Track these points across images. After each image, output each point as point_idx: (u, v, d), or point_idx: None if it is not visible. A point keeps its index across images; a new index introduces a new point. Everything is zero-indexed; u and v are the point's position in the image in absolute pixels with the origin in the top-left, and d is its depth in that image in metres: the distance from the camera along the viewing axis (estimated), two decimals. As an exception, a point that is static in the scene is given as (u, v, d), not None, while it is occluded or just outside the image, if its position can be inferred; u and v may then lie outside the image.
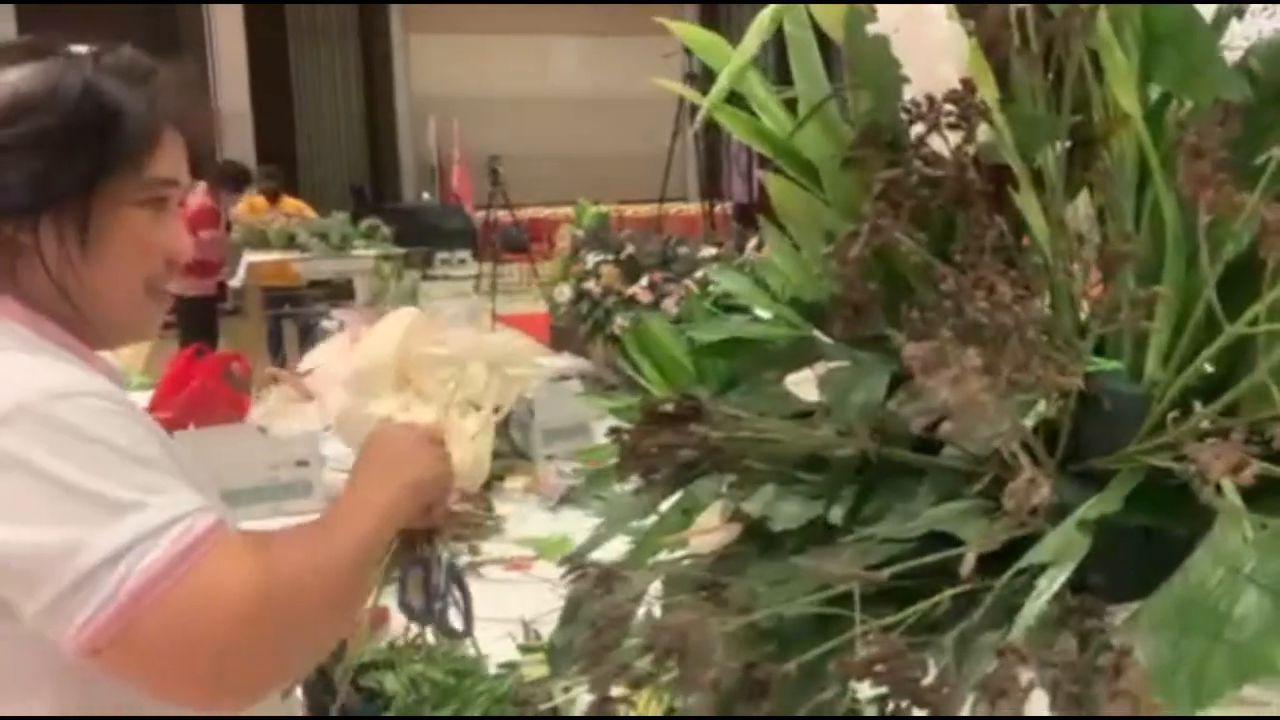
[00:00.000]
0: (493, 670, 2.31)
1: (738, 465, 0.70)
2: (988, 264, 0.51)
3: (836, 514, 0.71)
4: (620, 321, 4.85)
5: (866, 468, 0.72)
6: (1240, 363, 0.61)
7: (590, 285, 5.34)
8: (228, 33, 10.70)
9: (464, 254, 11.04)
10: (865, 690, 0.60)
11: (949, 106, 0.50)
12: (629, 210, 7.56)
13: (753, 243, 4.94)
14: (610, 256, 5.32)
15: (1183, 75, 0.68)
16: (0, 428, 0.71)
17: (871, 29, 0.71)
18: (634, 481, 0.66)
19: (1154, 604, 0.56)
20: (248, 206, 6.48)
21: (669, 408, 0.55)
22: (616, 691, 0.65)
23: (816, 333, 0.80)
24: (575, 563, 0.58)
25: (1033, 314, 0.46)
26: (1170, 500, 0.62)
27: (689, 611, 0.48)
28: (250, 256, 5.47)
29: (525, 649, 2.34)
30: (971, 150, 0.54)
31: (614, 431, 0.59)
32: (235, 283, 5.64)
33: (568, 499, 3.34)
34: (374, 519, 0.87)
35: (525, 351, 1.05)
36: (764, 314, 1.09)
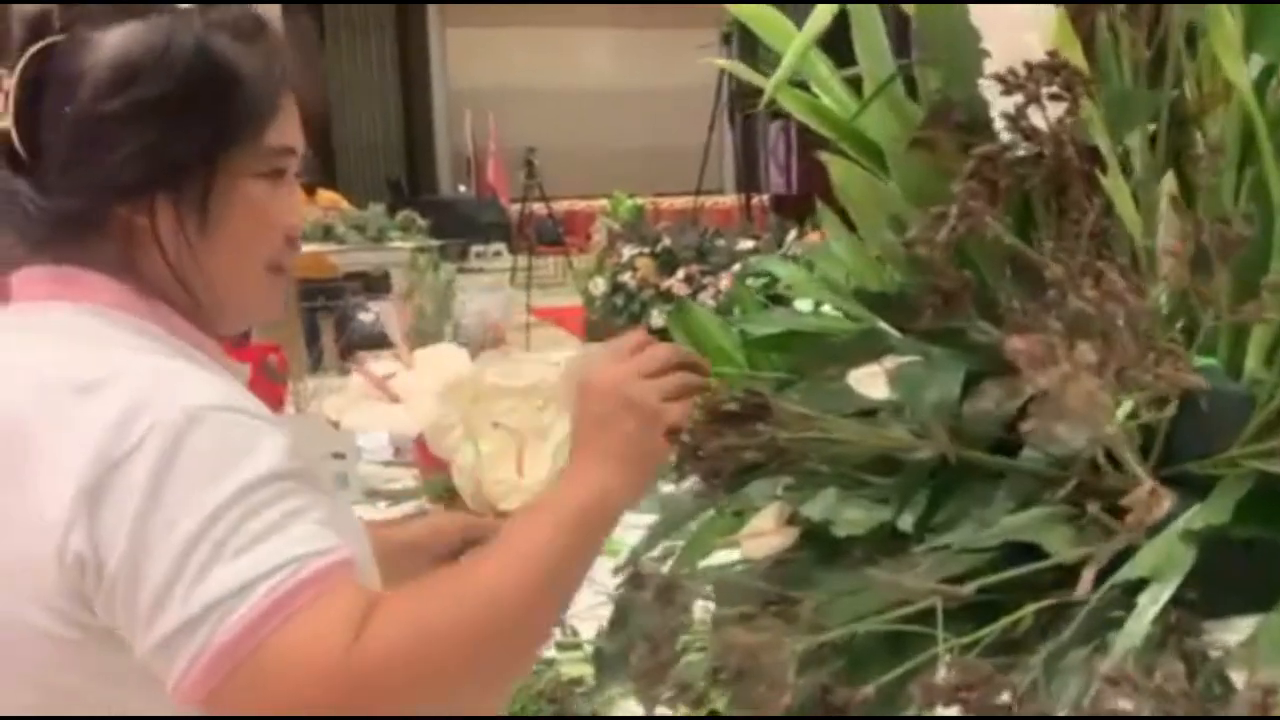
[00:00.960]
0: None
1: (799, 467, 0.65)
2: (1087, 250, 0.46)
3: (907, 521, 0.66)
4: (656, 315, 4.81)
5: (939, 471, 0.67)
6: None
7: (626, 278, 5.30)
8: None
9: (499, 247, 11.02)
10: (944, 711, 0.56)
11: (1048, 78, 0.45)
12: (664, 203, 7.50)
13: (792, 234, 4.86)
14: (646, 249, 5.27)
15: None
16: (133, 452, 0.64)
17: (947, -2, 0.66)
18: (688, 480, 0.61)
19: (1269, 628, 0.51)
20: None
21: (734, 406, 0.51)
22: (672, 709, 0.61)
23: (882, 324, 0.75)
24: (631, 569, 0.54)
25: (1147, 305, 0.41)
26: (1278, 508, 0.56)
27: (757, 630, 0.43)
28: None
29: (562, 646, 2.31)
30: (1071, 124, 0.49)
31: (672, 430, 0.54)
32: None
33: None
34: (563, 532, 0.68)
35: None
36: (817, 306, 1.04)
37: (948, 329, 0.73)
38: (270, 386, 4.34)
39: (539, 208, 9.35)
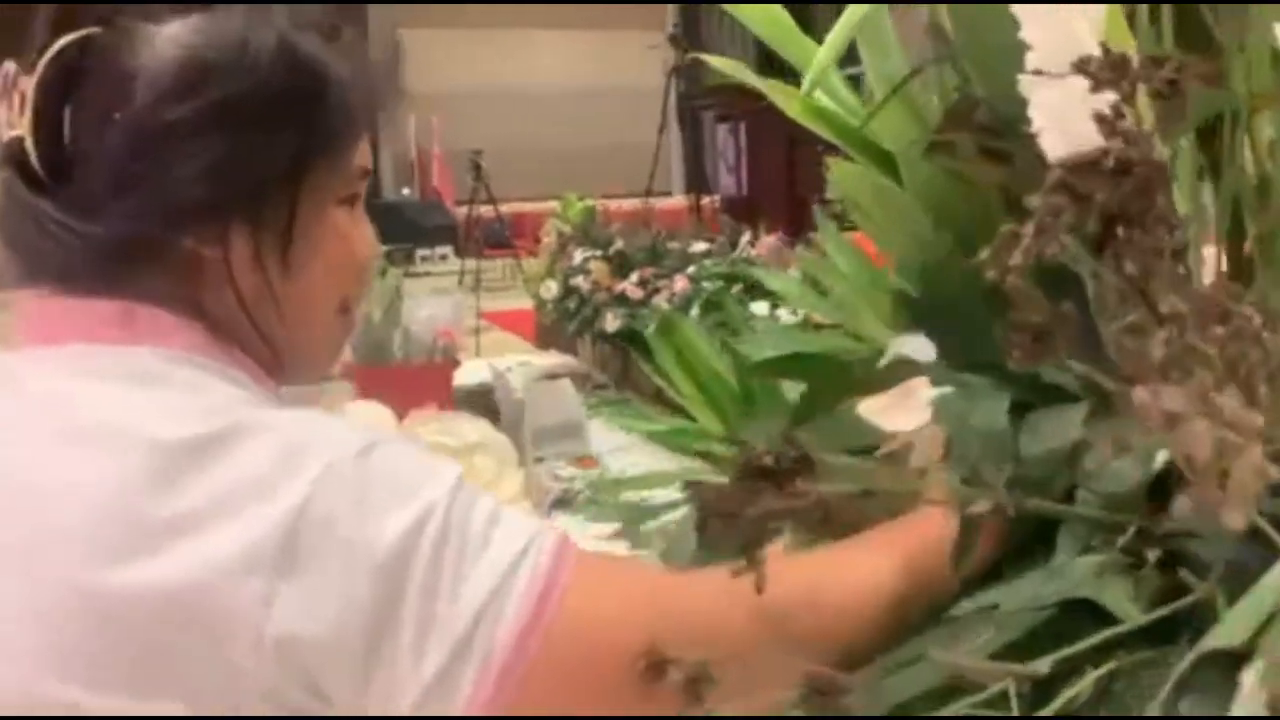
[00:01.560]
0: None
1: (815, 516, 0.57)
2: (1184, 279, 0.39)
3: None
4: (611, 318, 4.73)
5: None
6: None
7: (578, 281, 5.21)
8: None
9: (445, 250, 10.87)
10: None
11: (1151, 71, 0.38)
12: (614, 205, 7.41)
13: (745, 237, 4.81)
14: (598, 252, 5.19)
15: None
16: (313, 496, 0.53)
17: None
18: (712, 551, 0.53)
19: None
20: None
21: (769, 461, 0.43)
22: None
23: (901, 345, 0.67)
24: (654, 659, 0.45)
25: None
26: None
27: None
28: None
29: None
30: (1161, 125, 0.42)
31: (690, 486, 0.46)
32: None
33: (562, 503, 3.21)
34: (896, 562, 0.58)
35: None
36: (795, 319, 0.96)
37: (980, 354, 0.66)
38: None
39: (486, 210, 9.23)
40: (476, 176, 8.98)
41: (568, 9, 12.48)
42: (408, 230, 10.12)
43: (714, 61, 0.83)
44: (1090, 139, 0.58)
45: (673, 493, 1.22)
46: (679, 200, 9.20)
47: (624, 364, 5.33)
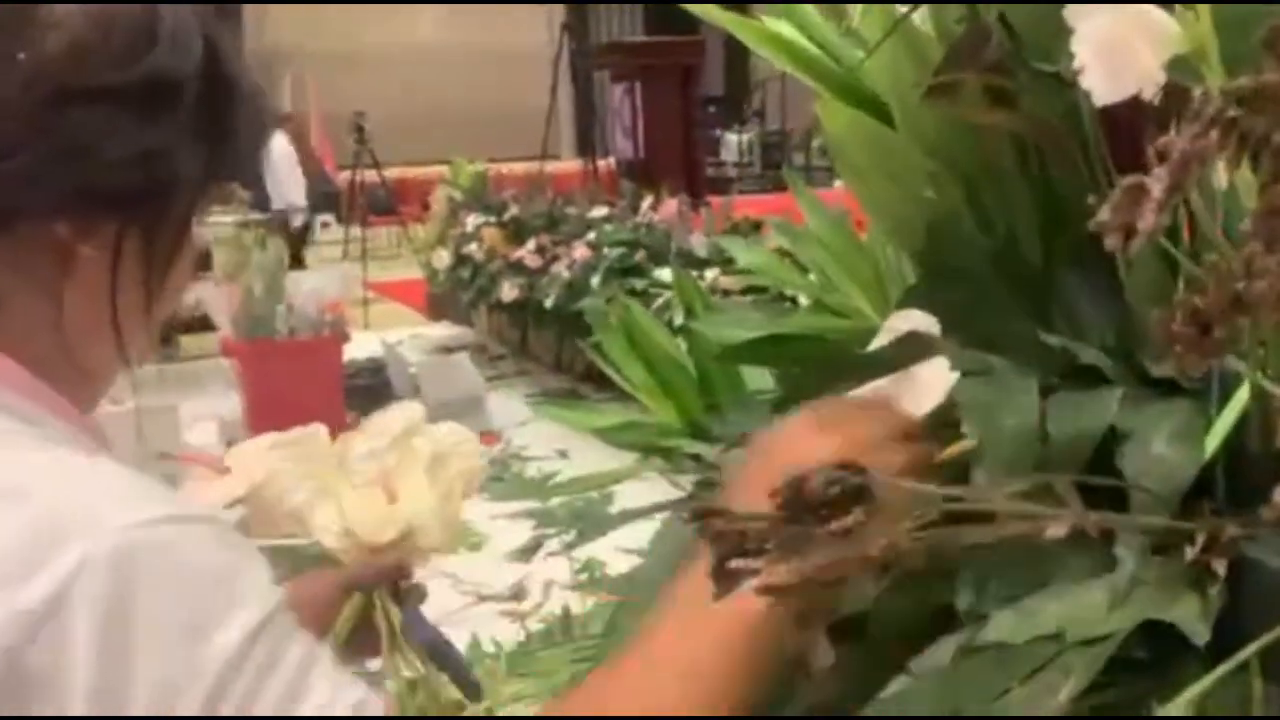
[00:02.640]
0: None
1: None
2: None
3: (966, 598, 0.49)
4: (508, 288, 4.57)
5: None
6: None
7: (471, 249, 5.04)
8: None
9: (327, 218, 10.49)
10: None
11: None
12: (505, 169, 7.20)
13: (647, 201, 4.70)
14: (492, 219, 5.03)
15: None
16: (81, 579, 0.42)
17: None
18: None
19: None
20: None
21: (825, 489, 0.32)
22: None
23: (900, 320, 0.57)
24: None
25: None
26: None
27: None
28: None
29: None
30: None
31: (702, 515, 0.35)
32: None
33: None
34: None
35: (464, 444, 0.79)
36: (746, 292, 0.86)
37: (996, 330, 0.56)
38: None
39: (370, 175, 8.90)
40: (359, 139, 8.65)
41: (450, -35, 12.12)
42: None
43: (689, 6, 0.71)
44: (1146, 78, 0.49)
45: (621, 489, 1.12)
46: (572, 164, 9.02)
47: (522, 334, 5.18)
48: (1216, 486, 0.52)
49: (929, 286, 0.58)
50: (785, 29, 0.68)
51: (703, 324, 0.70)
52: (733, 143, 8.89)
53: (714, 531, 0.36)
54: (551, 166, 7.48)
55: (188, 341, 5.34)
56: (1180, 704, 0.42)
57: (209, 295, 4.10)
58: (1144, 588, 0.47)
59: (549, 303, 3.66)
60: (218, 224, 4.95)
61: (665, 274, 3.30)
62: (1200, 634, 0.46)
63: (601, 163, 7.31)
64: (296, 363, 3.85)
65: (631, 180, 5.42)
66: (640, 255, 3.68)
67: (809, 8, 0.64)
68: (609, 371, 0.75)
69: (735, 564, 0.36)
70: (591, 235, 4.24)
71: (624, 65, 7.58)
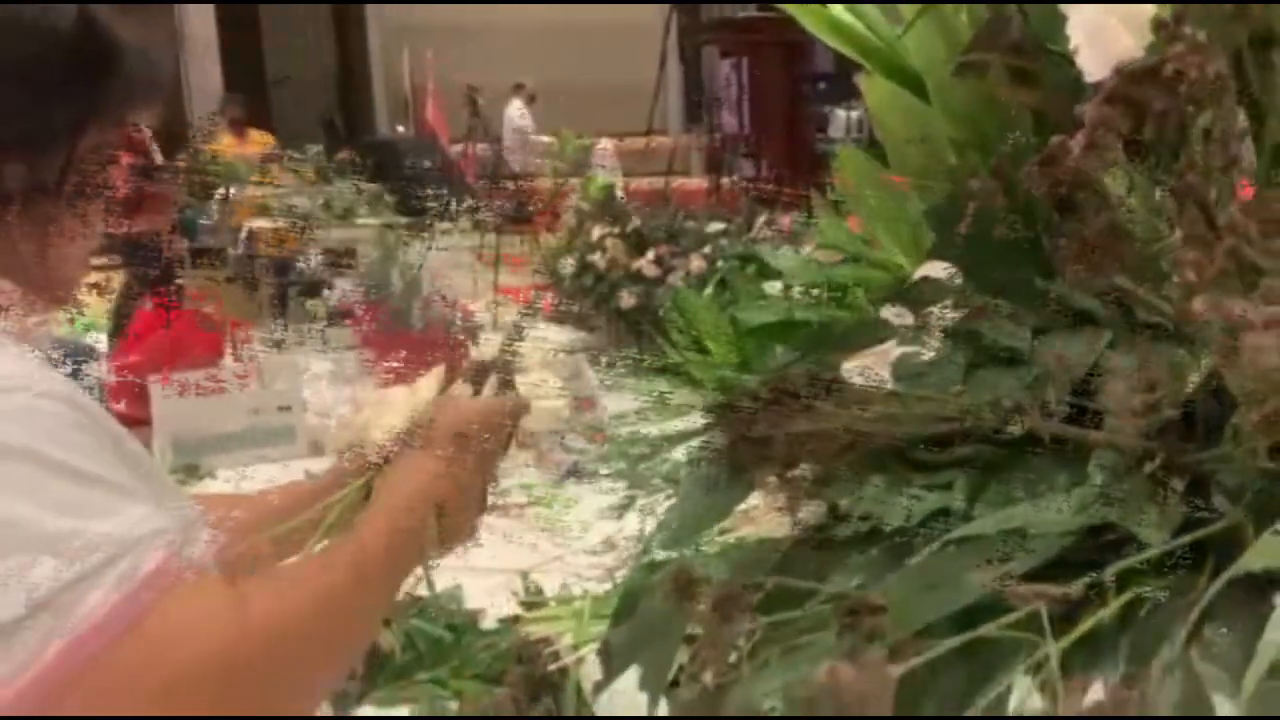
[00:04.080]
0: (491, 625, 2.21)
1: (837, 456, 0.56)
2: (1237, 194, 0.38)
3: (958, 502, 0.58)
4: (626, 295, 4.70)
5: (998, 447, 0.59)
6: None
7: (595, 258, 5.19)
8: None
9: (463, 226, 10.74)
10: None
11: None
12: (633, 184, 7.34)
13: (762, 219, 4.78)
14: (615, 229, 5.16)
15: None
16: None
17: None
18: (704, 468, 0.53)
19: None
20: (214, 147, 6.27)
21: (796, 385, 0.42)
22: None
23: (929, 269, 0.66)
24: (684, 577, 0.45)
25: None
26: None
27: (853, 659, 0.35)
28: (251, 223, 5.32)
29: (527, 604, 2.24)
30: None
31: (724, 408, 0.45)
32: (237, 250, 5.49)
33: (574, 472, 3.21)
34: (388, 533, 0.72)
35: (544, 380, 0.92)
36: (787, 290, 0.96)
37: (1002, 278, 0.65)
38: (207, 337, 4.19)
39: (482, 148, 9.10)
40: (474, 113, 8.86)
41: (565, -57, 12.26)
42: (401, 168, 10.00)
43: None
44: (1131, 57, 0.57)
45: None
46: (698, 182, 9.05)
47: (638, 341, 5.31)
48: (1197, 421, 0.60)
49: (947, 241, 0.67)
50: (839, 11, 0.77)
51: (741, 311, 0.80)
52: (841, 119, 8.86)
53: (727, 421, 0.46)
54: (677, 183, 7.59)
55: (313, 305, 5.61)
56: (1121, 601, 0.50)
57: (352, 290, 4.37)
58: (1110, 499, 0.55)
59: (663, 311, 3.79)
60: (365, 225, 5.22)
61: (773, 287, 3.33)
62: (1156, 541, 0.53)
63: (725, 181, 7.37)
64: (427, 355, 4.06)
65: (753, 200, 5.49)
66: (751, 269, 3.76)
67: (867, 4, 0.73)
68: (665, 347, 0.85)
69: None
70: (707, 249, 4.36)
71: (732, 41, 7.61)
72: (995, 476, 0.59)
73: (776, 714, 0.43)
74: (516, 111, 8.34)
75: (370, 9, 12.31)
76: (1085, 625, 0.49)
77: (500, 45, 12.23)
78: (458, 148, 9.82)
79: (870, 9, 0.73)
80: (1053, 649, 0.40)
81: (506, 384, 0.89)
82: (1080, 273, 0.37)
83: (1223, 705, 0.47)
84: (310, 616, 0.64)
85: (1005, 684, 0.44)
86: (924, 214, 0.66)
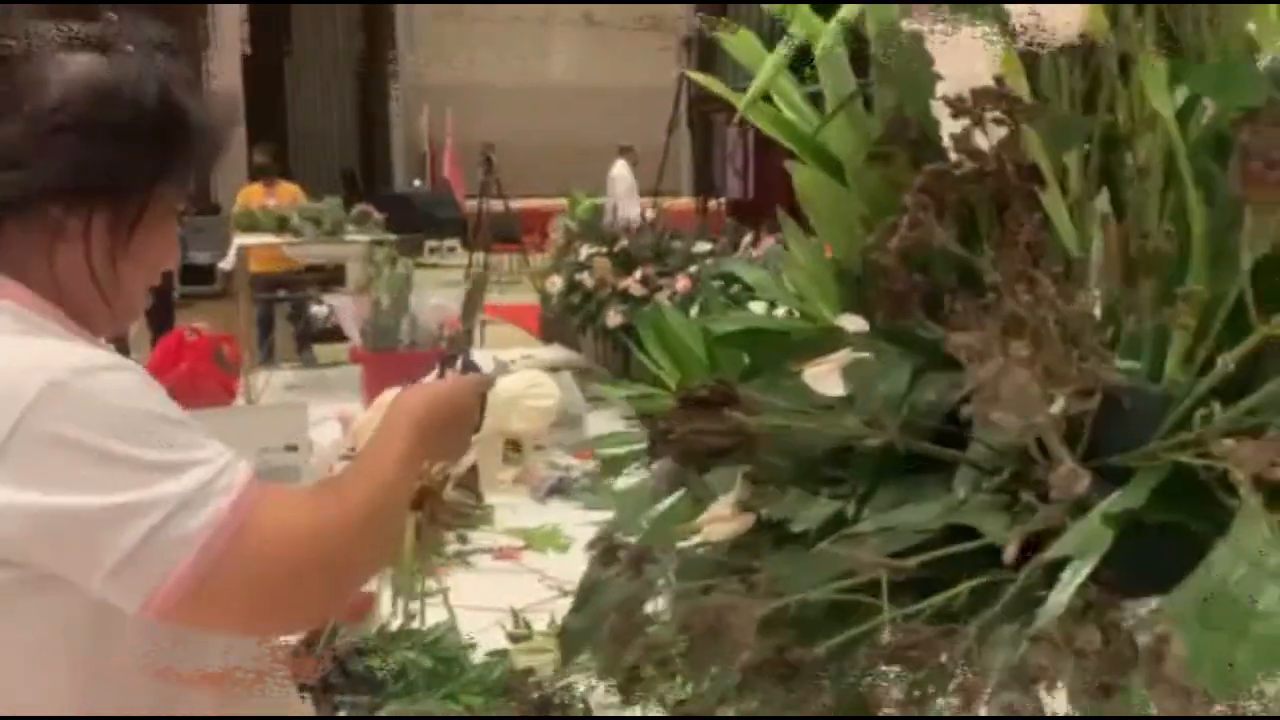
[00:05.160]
0: (481, 658, 2.32)
1: (760, 458, 0.71)
2: (1023, 259, 0.52)
3: (850, 508, 0.72)
4: (613, 314, 4.85)
5: (887, 462, 0.73)
6: (1262, 364, 0.62)
7: (583, 277, 5.34)
8: (226, 7, 10.63)
9: (453, 243, 11.02)
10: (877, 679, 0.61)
11: (992, 104, 0.51)
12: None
13: (747, 239, 4.95)
14: (603, 249, 5.32)
15: (1210, 79, 0.69)
16: (36, 408, 0.71)
17: (905, 25, 0.71)
18: (652, 470, 0.66)
19: (1176, 599, 0.57)
20: (243, 195, 6.46)
21: (704, 393, 0.56)
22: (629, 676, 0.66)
23: (844, 322, 0.80)
24: (605, 543, 0.58)
25: (1076, 309, 0.47)
26: (1190, 497, 0.63)
27: (723, 595, 0.48)
28: (240, 239, 5.44)
29: (514, 637, 2.35)
30: (1010, 146, 0.55)
31: (645, 416, 0.59)
32: (225, 265, 5.61)
33: (557, 490, 3.34)
34: (396, 464, 0.89)
35: (538, 387, 1.06)
36: (771, 306, 1.10)
37: (899, 328, 0.79)
38: (221, 376, 4.31)
39: (496, 204, 9.36)
40: (488, 170, 9.13)
41: (585, 6, 12.61)
42: (416, 220, 10.25)
43: (697, 77, 0.96)
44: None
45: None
46: (687, 200, 9.34)
47: (625, 359, 5.43)
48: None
49: (859, 298, 0.81)
50: (789, 114, 0.92)
51: (709, 321, 0.94)
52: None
53: (649, 425, 0.60)
54: (668, 203, 7.80)
55: (321, 351, 5.76)
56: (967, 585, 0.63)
57: (342, 307, 4.47)
58: (969, 507, 0.68)
59: (638, 325, 3.92)
60: (354, 242, 5.37)
61: (758, 306, 3.50)
62: (1002, 541, 0.66)
63: (712, 202, 7.59)
64: (415, 372, 4.16)
65: (739, 219, 5.66)
66: (735, 288, 3.90)
67: (789, 88, 0.88)
68: (641, 356, 1.00)
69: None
70: (694, 268, 4.47)
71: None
72: (881, 485, 0.73)
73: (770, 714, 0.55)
74: (621, 170, 8.84)
75: (398, 66, 12.66)
76: (938, 598, 0.62)
77: (517, 105, 12.54)
78: (472, 203, 10.10)
79: (801, 104, 0.88)
80: (887, 608, 0.53)
81: (469, 366, 1.08)
82: (885, 317, 0.52)
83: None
84: (367, 507, 0.83)
85: (863, 629, 0.57)
86: (835, 276, 0.81)
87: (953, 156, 0.70)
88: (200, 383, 3.82)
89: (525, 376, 1.03)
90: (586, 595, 0.83)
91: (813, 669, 0.52)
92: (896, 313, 0.52)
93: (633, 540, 0.59)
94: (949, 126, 0.71)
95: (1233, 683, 0.49)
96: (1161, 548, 0.67)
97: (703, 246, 4.67)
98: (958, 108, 0.52)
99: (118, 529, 0.69)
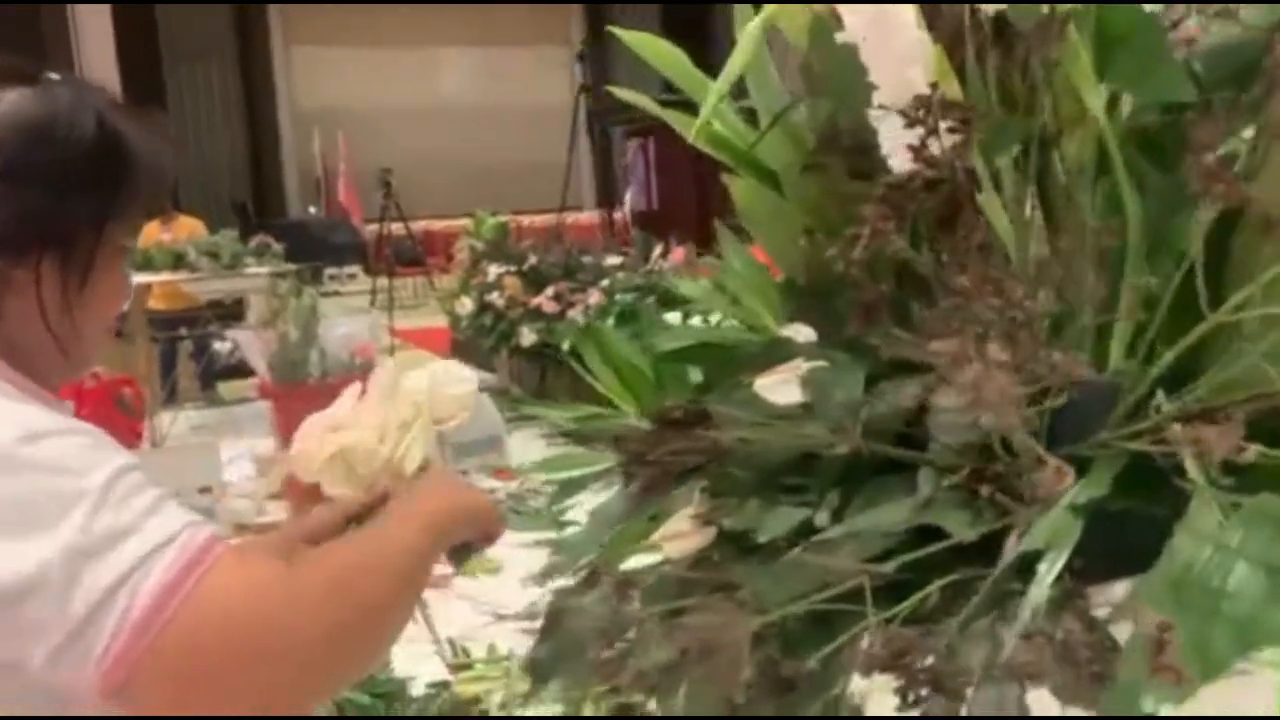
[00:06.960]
0: (419, 691, 2.27)
1: (722, 470, 0.70)
2: (984, 263, 0.53)
3: (823, 517, 0.72)
4: (527, 332, 4.82)
5: (850, 468, 0.73)
6: (1206, 351, 0.65)
7: (493, 297, 5.28)
8: (98, 44, 10.28)
9: (354, 269, 10.82)
10: (862, 683, 0.61)
11: (946, 113, 0.52)
12: (526, 221, 7.52)
13: (658, 250, 4.97)
14: (512, 268, 5.27)
15: (1134, 75, 0.71)
16: None
17: (838, 37, 0.72)
18: (634, 483, 0.66)
19: (1147, 585, 0.58)
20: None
21: (678, 415, 0.55)
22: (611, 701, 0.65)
23: (790, 332, 0.81)
24: (586, 571, 0.58)
25: (1042, 309, 0.47)
26: (1148, 484, 0.64)
27: (712, 613, 0.48)
28: (136, 278, 5.24)
29: (455, 667, 2.31)
30: (963, 153, 0.55)
31: (617, 439, 0.58)
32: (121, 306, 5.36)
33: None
34: (416, 531, 0.79)
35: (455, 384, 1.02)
36: (686, 318, 1.10)
37: (850, 336, 0.80)
38: (125, 421, 4.16)
39: (397, 227, 9.22)
40: (387, 194, 8.98)
41: (473, 25, 12.54)
42: (316, 248, 10.03)
43: (620, 93, 0.96)
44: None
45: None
46: (591, 214, 9.34)
47: (540, 377, 5.40)
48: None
49: (806, 307, 0.82)
50: (719, 126, 0.92)
51: (654, 338, 0.93)
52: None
53: (624, 447, 0.59)
54: (571, 218, 7.79)
55: (225, 388, 5.58)
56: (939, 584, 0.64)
57: (246, 341, 4.33)
58: (933, 505, 0.69)
59: (566, 345, 3.88)
60: (255, 274, 5.22)
61: (674, 317, 3.50)
62: (967, 536, 0.68)
63: (617, 215, 7.60)
64: (328, 403, 4.05)
65: (643, 231, 5.68)
66: (649, 300, 3.91)
67: (724, 109, 0.88)
68: (587, 377, 0.99)
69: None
70: (605, 282, 4.47)
71: (637, 122, 7.91)
72: (853, 492, 0.74)
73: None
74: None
75: (280, 93, 12.40)
76: (908, 603, 0.63)
77: (411, 127, 12.39)
78: (371, 227, 9.94)
79: (734, 119, 0.89)
80: (869, 609, 0.53)
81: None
82: (856, 328, 0.52)
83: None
84: (333, 585, 0.72)
85: (848, 636, 0.57)
86: (778, 287, 0.82)
87: (896, 166, 0.71)
88: (104, 428, 3.67)
89: (432, 368, 1.00)
90: (555, 621, 0.81)
91: (808, 680, 0.52)
92: (867, 322, 0.52)
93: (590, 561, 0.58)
94: (887, 135, 0.73)
95: (1213, 663, 0.51)
96: (1115, 535, 0.69)
97: (613, 260, 4.67)
98: (913, 118, 0.52)
99: (61, 603, 0.65)
